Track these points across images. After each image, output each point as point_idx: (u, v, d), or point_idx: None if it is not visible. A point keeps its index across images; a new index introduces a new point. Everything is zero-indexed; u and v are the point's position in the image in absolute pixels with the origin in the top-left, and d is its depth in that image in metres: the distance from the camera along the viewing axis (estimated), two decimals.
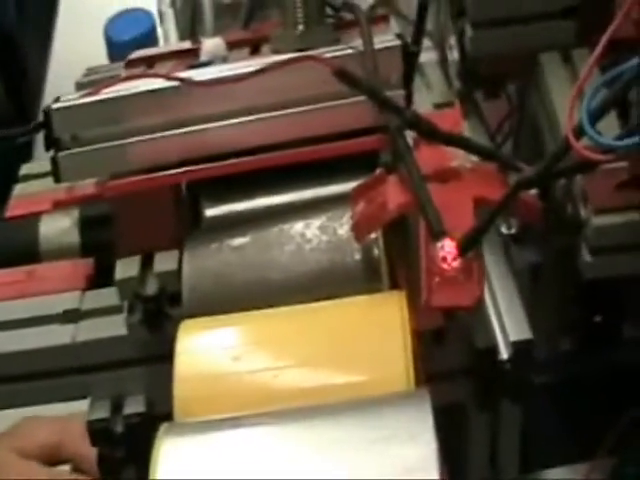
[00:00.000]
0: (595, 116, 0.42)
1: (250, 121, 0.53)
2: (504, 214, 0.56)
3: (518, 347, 0.57)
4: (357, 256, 0.52)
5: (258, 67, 0.52)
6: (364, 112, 0.52)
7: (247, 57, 0.60)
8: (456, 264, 0.45)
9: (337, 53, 0.55)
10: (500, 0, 0.62)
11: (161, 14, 0.90)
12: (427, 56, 0.72)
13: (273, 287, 0.52)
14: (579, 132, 0.42)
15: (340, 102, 0.53)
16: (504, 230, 0.64)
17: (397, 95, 0.55)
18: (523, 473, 0.67)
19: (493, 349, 0.57)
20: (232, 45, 0.60)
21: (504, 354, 0.57)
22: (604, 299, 0.71)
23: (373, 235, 0.51)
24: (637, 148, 0.41)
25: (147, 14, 1.06)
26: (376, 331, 0.48)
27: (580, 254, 0.57)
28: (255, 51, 0.61)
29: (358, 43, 0.56)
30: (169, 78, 0.55)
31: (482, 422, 0.61)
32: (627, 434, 0.67)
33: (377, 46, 0.55)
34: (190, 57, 0.61)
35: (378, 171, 0.51)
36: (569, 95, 0.60)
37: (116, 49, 1.04)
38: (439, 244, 0.45)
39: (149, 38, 1.03)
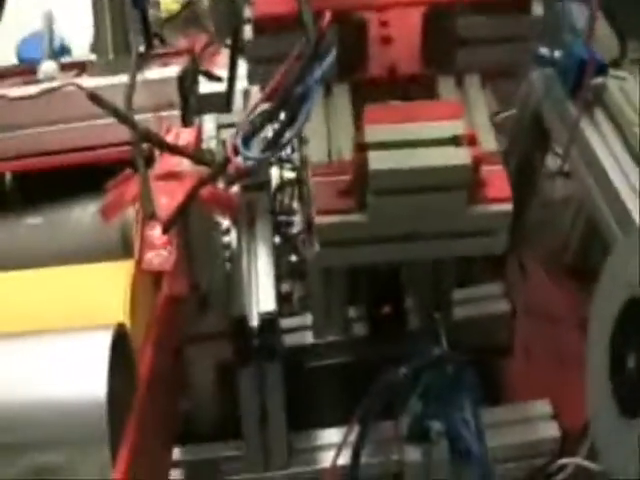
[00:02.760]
0: (247, 138, 0.57)
1: (38, 132, 0.70)
2: None
3: (264, 317, 0.72)
4: (117, 235, 0.67)
5: (36, 91, 0.69)
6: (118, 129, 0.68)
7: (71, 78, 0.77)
8: (160, 238, 0.60)
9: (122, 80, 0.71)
10: None
11: None
12: None
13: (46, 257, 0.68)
14: (235, 150, 0.57)
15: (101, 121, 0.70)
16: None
17: (173, 115, 0.71)
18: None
19: (245, 317, 0.72)
20: (64, 67, 0.77)
21: (253, 322, 0.72)
22: (388, 293, 0.86)
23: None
24: (269, 158, 0.56)
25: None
26: (100, 289, 0.63)
27: (312, 246, 0.72)
28: (81, 73, 0.78)
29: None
30: None
31: (249, 381, 0.76)
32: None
33: (156, 76, 0.72)
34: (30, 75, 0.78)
35: (126, 171, 0.67)
36: (323, 120, 0.76)
37: None
38: (150, 223, 0.61)
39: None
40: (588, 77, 0.84)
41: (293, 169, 1.03)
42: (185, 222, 0.64)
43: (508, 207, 0.70)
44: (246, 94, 0.89)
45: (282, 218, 1.06)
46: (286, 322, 0.96)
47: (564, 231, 1.07)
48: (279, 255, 1.03)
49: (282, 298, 1.02)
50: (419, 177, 0.67)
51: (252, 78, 0.76)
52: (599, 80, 0.85)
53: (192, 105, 0.80)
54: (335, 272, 0.89)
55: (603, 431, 0.62)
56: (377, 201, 0.68)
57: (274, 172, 1.03)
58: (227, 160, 0.58)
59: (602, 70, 0.85)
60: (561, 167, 0.99)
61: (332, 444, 0.80)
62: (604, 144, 0.83)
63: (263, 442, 0.79)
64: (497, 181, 0.71)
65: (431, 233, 0.70)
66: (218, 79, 0.86)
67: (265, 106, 0.59)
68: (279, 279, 1.02)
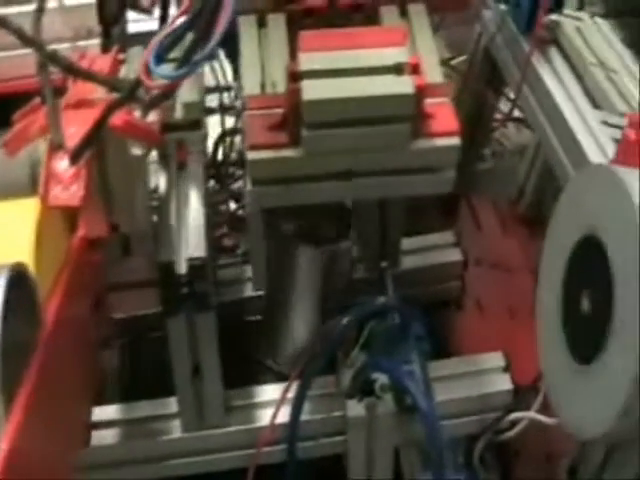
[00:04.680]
0: (159, 57, 0.51)
1: None
2: None
3: (193, 263, 0.66)
4: (25, 171, 0.61)
5: None
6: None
7: None
8: (68, 171, 0.54)
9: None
10: None
11: None
12: None
13: None
14: (148, 69, 0.51)
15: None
16: None
17: (91, 44, 0.65)
18: (230, 388, 0.76)
19: (172, 263, 0.66)
20: None
21: (181, 269, 0.66)
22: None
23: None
24: (184, 76, 0.50)
25: None
26: (5, 227, 0.57)
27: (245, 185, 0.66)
28: None
29: None
30: None
31: (178, 332, 0.70)
32: None
33: (74, 2, 0.66)
34: None
35: (35, 101, 0.60)
36: (257, 52, 0.71)
37: None
38: (57, 155, 0.55)
39: None
40: (541, 12, 0.79)
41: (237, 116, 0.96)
42: (100, 154, 0.58)
43: (455, 141, 0.65)
44: None
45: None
46: (226, 274, 0.91)
47: (519, 180, 1.04)
48: (223, 207, 0.98)
49: (226, 250, 0.97)
50: (357, 108, 0.62)
51: None
52: (554, 18, 0.81)
53: (116, 35, 0.74)
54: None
55: (557, 380, 0.57)
56: (312, 134, 0.62)
57: (216, 120, 0.97)
58: (138, 82, 0.52)
59: (557, 6, 0.81)
60: (511, 110, 0.94)
61: (271, 401, 0.74)
62: (559, 83, 0.78)
63: (197, 399, 0.73)
64: (443, 114, 0.66)
65: (372, 170, 0.65)
66: (147, 11, 0.79)
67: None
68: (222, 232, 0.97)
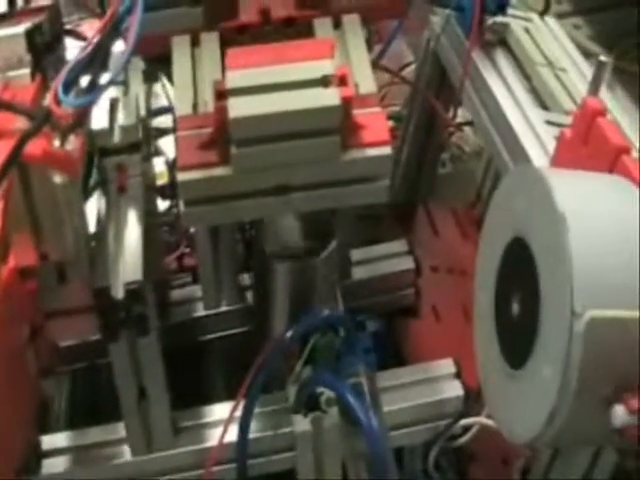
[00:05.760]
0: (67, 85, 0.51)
1: None
2: None
3: (129, 287, 0.66)
4: None
5: None
6: None
7: None
8: None
9: None
10: None
11: None
12: None
13: None
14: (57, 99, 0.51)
15: None
16: None
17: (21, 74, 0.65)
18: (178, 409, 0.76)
19: (107, 288, 0.66)
20: None
21: (118, 294, 0.66)
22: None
23: None
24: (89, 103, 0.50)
25: None
26: None
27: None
28: None
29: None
30: None
31: (120, 358, 0.70)
32: None
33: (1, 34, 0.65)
34: None
35: None
36: (189, 72, 0.70)
37: None
38: None
39: None
40: (477, 15, 0.80)
41: None
42: (25, 184, 0.58)
43: (386, 150, 0.64)
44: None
45: None
46: (177, 294, 0.91)
47: (475, 184, 1.04)
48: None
49: (185, 270, 0.97)
50: (284, 122, 0.62)
51: None
52: (502, 20, 0.81)
53: (50, 62, 0.73)
54: (222, 237, 0.84)
55: (491, 384, 0.57)
56: (241, 152, 0.62)
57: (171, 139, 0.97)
58: (49, 111, 0.52)
59: (501, 8, 0.81)
60: (455, 114, 0.95)
61: (220, 420, 0.74)
62: (503, 84, 0.79)
63: (144, 422, 0.73)
64: (374, 124, 0.65)
65: (305, 183, 0.64)
66: (84, 39, 0.79)
67: None
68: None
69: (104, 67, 0.51)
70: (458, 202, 1.04)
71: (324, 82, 0.63)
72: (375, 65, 0.94)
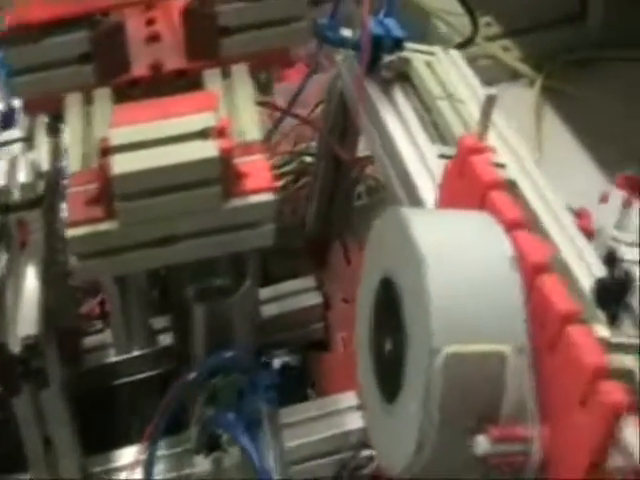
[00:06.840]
0: None
1: None
2: None
3: (25, 342, 0.68)
4: None
5: None
6: None
7: None
8: None
9: None
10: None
11: None
12: None
13: None
14: None
15: None
16: None
17: None
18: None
19: (5, 344, 0.68)
20: None
21: (15, 348, 0.68)
22: None
23: None
24: None
25: None
26: None
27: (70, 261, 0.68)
28: None
29: None
30: None
31: (23, 411, 0.71)
32: None
33: None
34: None
35: None
36: (81, 129, 0.72)
37: None
38: None
39: None
40: (366, 55, 0.82)
41: None
42: None
43: (269, 197, 0.67)
44: None
45: None
46: (90, 340, 0.93)
47: None
48: None
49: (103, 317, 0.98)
50: (165, 176, 0.64)
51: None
52: (404, 54, 0.84)
53: None
54: (130, 283, 0.86)
55: (371, 415, 0.60)
56: (125, 206, 0.64)
57: None
58: None
59: (397, 45, 0.84)
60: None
61: (129, 464, 0.76)
62: (399, 120, 0.81)
63: (52, 471, 0.74)
64: (257, 171, 0.68)
65: (191, 232, 0.67)
66: None
67: None
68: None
69: None
70: None
71: (204, 135, 0.66)
72: (275, 107, 0.98)
